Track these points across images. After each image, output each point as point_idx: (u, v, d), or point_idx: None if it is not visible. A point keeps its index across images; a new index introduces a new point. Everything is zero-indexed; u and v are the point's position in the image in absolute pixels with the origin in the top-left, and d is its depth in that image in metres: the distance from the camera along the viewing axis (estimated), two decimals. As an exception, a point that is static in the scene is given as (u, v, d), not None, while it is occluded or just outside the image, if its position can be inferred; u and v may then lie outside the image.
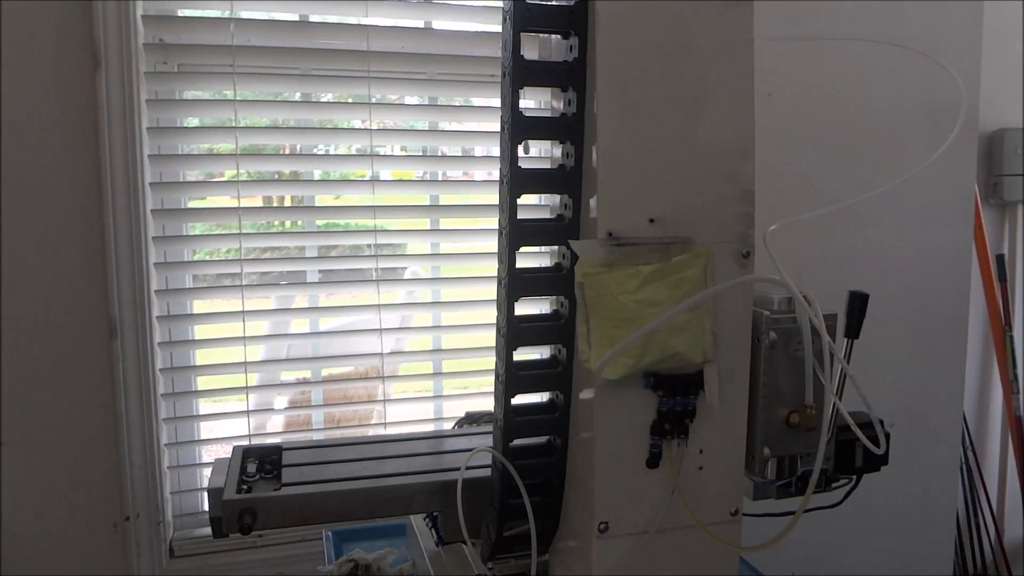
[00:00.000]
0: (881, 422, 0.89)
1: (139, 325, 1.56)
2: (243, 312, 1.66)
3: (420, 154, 1.87)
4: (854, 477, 1.01)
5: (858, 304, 0.94)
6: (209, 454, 1.72)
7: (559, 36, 0.88)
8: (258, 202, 1.88)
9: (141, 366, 1.57)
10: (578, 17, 0.84)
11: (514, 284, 0.89)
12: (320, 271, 1.77)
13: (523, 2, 0.84)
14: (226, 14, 1.61)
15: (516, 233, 0.88)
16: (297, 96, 1.79)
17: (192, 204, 1.71)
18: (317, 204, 1.80)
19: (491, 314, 0.94)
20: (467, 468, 0.97)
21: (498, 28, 1.36)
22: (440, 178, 1.93)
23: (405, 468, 1.07)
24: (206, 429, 1.73)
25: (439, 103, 1.84)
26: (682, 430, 0.87)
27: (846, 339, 0.94)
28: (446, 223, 1.83)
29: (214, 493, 0.98)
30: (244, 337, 1.66)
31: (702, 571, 0.91)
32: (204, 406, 1.71)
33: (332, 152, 1.83)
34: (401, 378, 1.89)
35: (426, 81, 1.77)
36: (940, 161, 1.03)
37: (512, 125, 0.86)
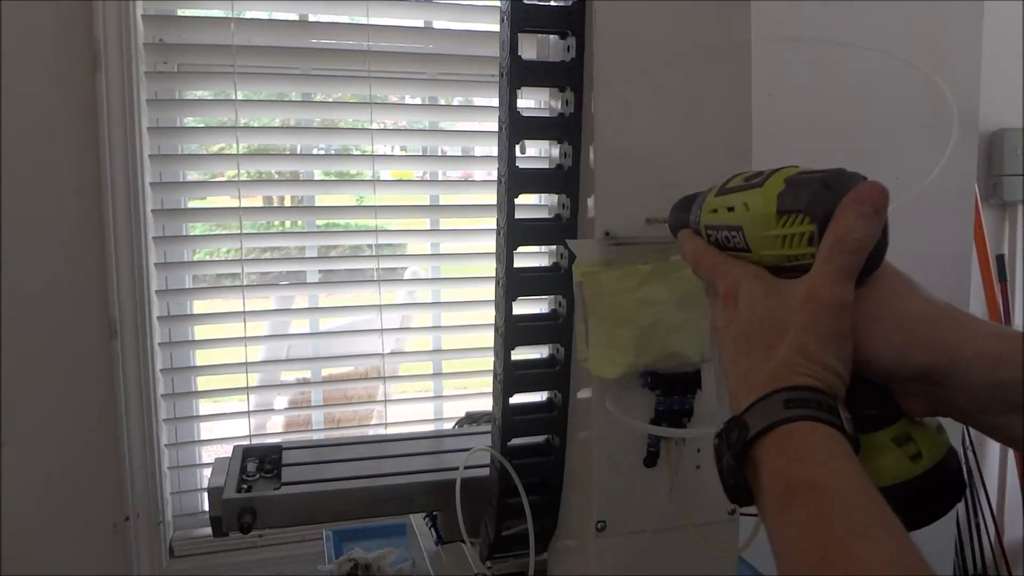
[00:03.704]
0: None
1: (139, 325, 1.56)
2: (243, 312, 1.66)
3: (420, 154, 1.87)
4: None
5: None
6: (209, 454, 1.72)
7: (557, 36, 0.88)
8: (258, 202, 1.89)
9: (141, 366, 1.57)
10: (576, 17, 0.84)
11: (512, 283, 0.89)
12: (320, 271, 1.77)
13: (520, 2, 0.84)
14: (227, 14, 1.61)
15: (514, 233, 0.88)
16: (297, 96, 1.79)
17: (192, 204, 1.71)
18: (317, 204, 1.80)
19: (491, 314, 0.94)
20: (466, 468, 0.97)
21: (498, 27, 1.36)
22: (440, 178, 1.93)
23: (404, 468, 1.08)
24: (206, 429, 1.73)
25: (439, 103, 1.84)
26: (680, 429, 0.87)
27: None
28: (446, 223, 1.83)
29: (214, 492, 0.98)
30: (244, 337, 1.67)
31: (701, 570, 0.91)
32: (204, 406, 1.71)
33: (333, 152, 1.83)
34: (401, 378, 1.89)
35: (426, 81, 1.78)
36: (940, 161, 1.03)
37: (510, 125, 0.86)
